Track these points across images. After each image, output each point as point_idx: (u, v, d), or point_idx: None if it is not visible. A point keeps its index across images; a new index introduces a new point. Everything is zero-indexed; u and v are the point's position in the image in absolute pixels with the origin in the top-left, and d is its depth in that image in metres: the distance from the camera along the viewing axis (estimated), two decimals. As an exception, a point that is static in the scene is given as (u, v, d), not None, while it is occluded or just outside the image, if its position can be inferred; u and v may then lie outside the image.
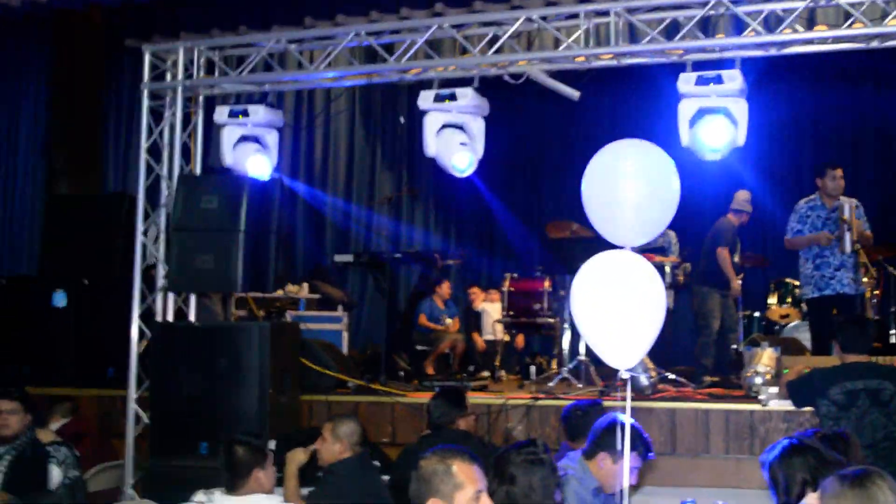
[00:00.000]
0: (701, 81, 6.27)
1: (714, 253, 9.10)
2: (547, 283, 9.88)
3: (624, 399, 5.91)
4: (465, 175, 6.98)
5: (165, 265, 7.25)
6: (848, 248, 7.78)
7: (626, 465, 3.95)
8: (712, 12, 6.34)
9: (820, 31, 6.19)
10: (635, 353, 3.88)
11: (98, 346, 8.29)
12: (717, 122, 6.29)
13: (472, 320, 11.99)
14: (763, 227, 11.79)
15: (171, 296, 7.32)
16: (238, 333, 6.59)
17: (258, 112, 7.24)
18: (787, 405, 6.32)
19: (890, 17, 5.96)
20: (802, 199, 8.21)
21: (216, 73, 7.52)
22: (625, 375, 3.88)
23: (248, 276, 6.69)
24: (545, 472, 3.72)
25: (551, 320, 9.92)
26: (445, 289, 11.33)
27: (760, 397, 6.49)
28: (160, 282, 7.35)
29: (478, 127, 6.93)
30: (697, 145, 6.41)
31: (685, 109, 6.38)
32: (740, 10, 6.21)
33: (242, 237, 6.66)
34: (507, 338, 11.14)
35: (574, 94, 6.84)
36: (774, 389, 6.44)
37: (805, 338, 9.29)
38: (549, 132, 12.36)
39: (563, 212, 11.52)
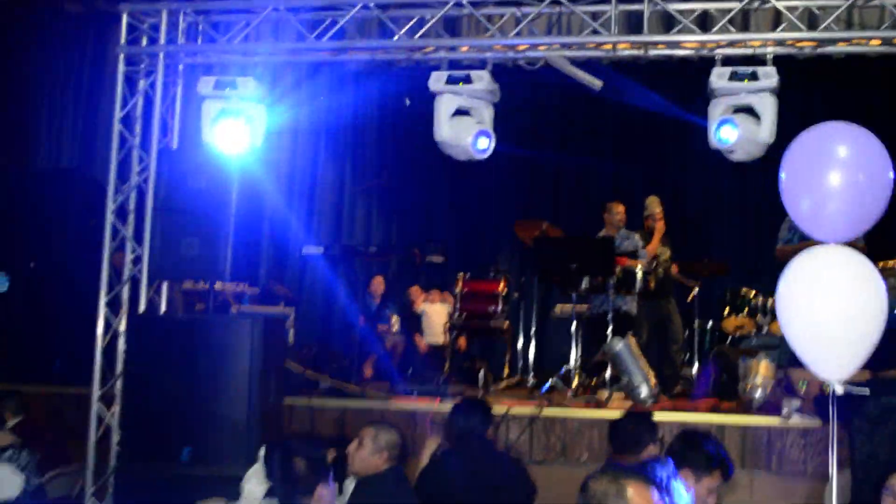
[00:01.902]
0: (735, 77, 5.96)
1: None
2: (502, 285, 9.52)
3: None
4: (483, 157, 6.52)
5: (136, 247, 6.58)
6: None
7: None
8: (755, 5, 6.01)
9: (860, 32, 5.92)
10: (852, 363, 3.45)
11: (43, 335, 7.53)
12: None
13: (412, 321, 11.50)
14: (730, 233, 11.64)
15: (143, 284, 6.62)
16: (227, 328, 5.98)
17: (248, 85, 6.61)
18: (807, 420, 6.07)
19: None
20: None
21: (199, 40, 6.87)
22: (840, 390, 3.47)
23: (238, 264, 6.12)
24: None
25: (505, 324, 9.58)
26: (377, 285, 10.77)
27: (783, 411, 6.21)
28: (127, 267, 6.66)
29: (489, 115, 6.48)
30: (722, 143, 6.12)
31: (716, 106, 6.06)
32: (781, 4, 5.90)
33: (232, 221, 6.08)
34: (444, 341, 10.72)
35: (597, 83, 6.44)
36: (796, 403, 6.17)
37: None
38: (548, 125, 11.86)
39: (532, 212, 11.25)
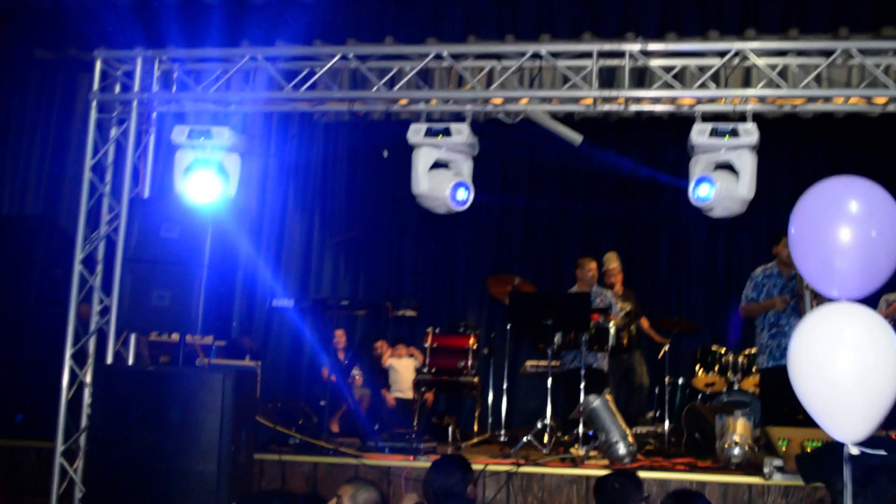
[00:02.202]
0: (716, 133, 5.98)
1: None
2: (472, 340, 9.43)
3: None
4: (462, 209, 6.46)
5: (104, 297, 6.40)
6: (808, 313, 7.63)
7: None
8: (735, 62, 6.05)
9: (841, 90, 5.97)
10: (867, 424, 3.37)
11: (5, 389, 7.28)
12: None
13: (379, 376, 11.34)
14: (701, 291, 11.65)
15: (110, 335, 6.43)
16: (198, 380, 5.79)
17: (223, 134, 6.52)
18: (788, 479, 6.00)
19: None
20: (759, 267, 8.06)
21: (174, 88, 6.78)
22: (854, 451, 3.38)
23: (211, 318, 5.97)
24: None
25: (475, 379, 9.48)
26: (339, 338, 10.61)
27: (764, 470, 6.13)
28: (93, 318, 6.48)
29: (468, 167, 6.44)
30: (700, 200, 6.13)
31: (697, 163, 6.08)
32: (761, 61, 5.95)
33: (206, 273, 5.94)
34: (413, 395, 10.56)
35: (577, 137, 6.43)
36: (778, 462, 6.10)
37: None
38: (519, 180, 11.83)
39: (502, 267, 11.19)
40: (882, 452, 4.83)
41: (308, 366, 10.94)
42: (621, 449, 6.88)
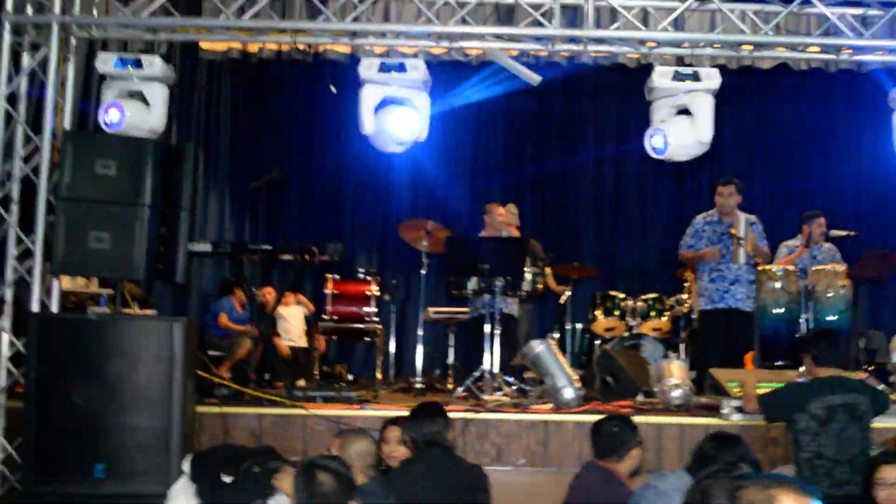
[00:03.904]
0: (678, 77, 5.93)
1: None
2: (374, 287, 9.23)
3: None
4: (403, 149, 6.20)
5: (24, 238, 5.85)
6: (741, 260, 7.81)
7: None
8: (696, 5, 5.99)
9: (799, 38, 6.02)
10: None
11: None
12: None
13: (263, 324, 10.93)
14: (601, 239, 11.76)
15: (35, 281, 5.86)
16: (146, 330, 5.36)
17: (154, 64, 6.00)
18: (747, 419, 6.09)
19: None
20: (699, 215, 8.17)
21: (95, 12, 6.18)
22: None
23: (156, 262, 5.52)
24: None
25: (378, 326, 9.30)
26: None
27: (723, 411, 6.21)
28: (10, 263, 5.91)
29: (423, 103, 6.15)
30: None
31: (658, 109, 6.03)
32: (726, 6, 5.92)
33: (147, 212, 5.47)
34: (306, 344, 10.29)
35: (535, 77, 6.24)
36: (735, 403, 6.18)
37: (647, 350, 9.29)
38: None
39: (414, 213, 10.95)
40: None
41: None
42: (568, 393, 6.83)
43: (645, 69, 6.97)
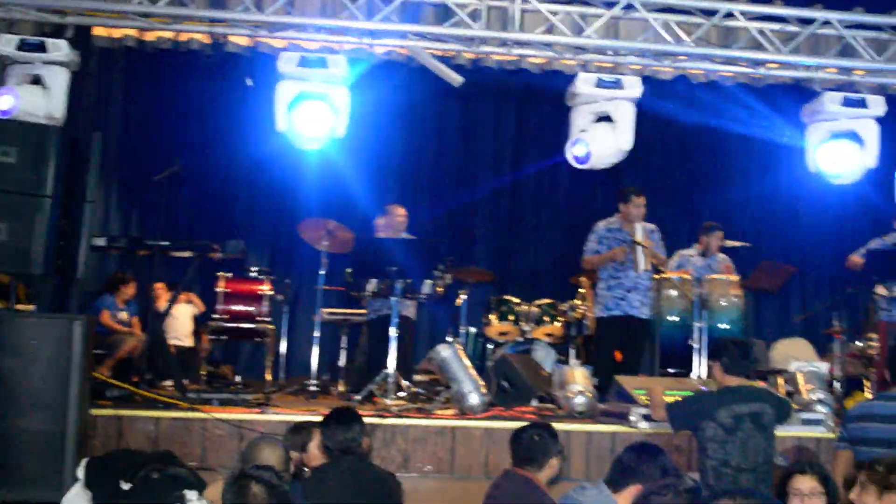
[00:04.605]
0: (601, 84, 5.96)
1: None
2: (267, 286, 9.05)
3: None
4: (318, 147, 6.05)
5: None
6: (641, 267, 7.93)
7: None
8: (620, 14, 6.02)
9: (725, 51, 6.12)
10: None
11: None
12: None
13: (156, 322, 10.55)
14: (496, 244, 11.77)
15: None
16: (46, 329, 5.06)
17: (59, 48, 5.67)
18: (654, 427, 6.15)
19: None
20: (601, 221, 8.25)
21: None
22: None
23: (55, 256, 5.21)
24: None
25: (270, 327, 9.13)
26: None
27: (631, 419, 6.26)
28: None
29: (343, 100, 6.01)
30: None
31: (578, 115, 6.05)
32: (651, 16, 5.97)
33: (49, 204, 5.16)
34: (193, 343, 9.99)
35: (458, 79, 6.17)
36: (642, 410, 6.24)
37: (539, 356, 9.36)
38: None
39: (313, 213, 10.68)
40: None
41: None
42: (473, 399, 6.78)
43: (549, 76, 7.04)
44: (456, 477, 6.20)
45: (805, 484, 4.55)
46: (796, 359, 8.43)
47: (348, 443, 4.77)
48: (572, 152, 5.99)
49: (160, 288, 9.94)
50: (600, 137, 5.97)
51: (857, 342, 8.95)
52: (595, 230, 8.22)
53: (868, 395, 8.32)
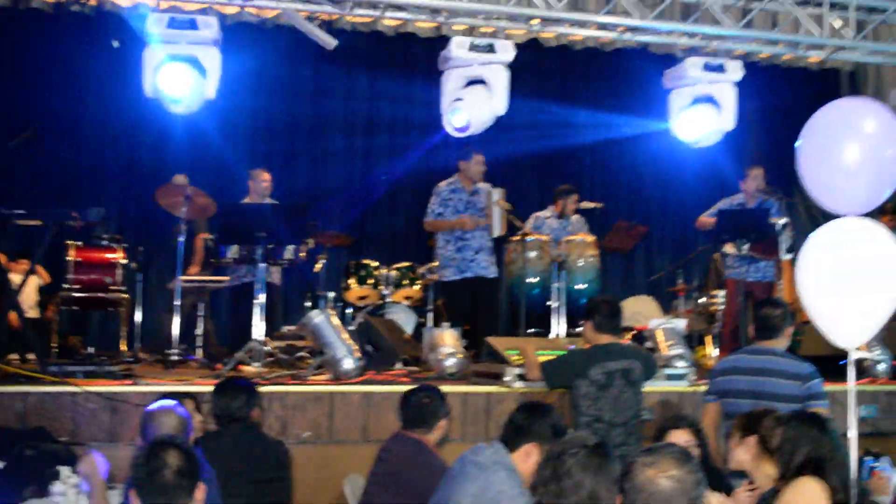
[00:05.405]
0: (474, 48, 6.02)
1: None
2: (121, 254, 8.77)
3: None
4: (187, 110, 5.87)
5: None
6: (497, 231, 8.09)
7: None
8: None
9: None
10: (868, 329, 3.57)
11: None
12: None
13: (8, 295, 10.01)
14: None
15: None
16: None
17: None
18: (528, 386, 6.32)
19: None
20: (443, 182, 8.31)
21: None
22: (855, 356, 3.53)
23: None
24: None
25: (124, 296, 8.85)
26: None
27: (505, 378, 6.41)
28: None
29: (214, 63, 5.85)
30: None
31: (451, 79, 6.08)
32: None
33: None
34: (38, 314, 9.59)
35: (331, 42, 6.08)
36: (516, 370, 6.39)
37: (400, 319, 9.45)
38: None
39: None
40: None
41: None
42: (348, 363, 6.76)
43: (402, 38, 6.94)
44: (335, 442, 6.20)
45: (680, 437, 4.79)
46: (644, 316, 8.86)
47: (235, 411, 4.76)
48: (452, 122, 6.02)
49: (1, 258, 9.46)
50: (476, 103, 6.02)
51: (698, 300, 9.43)
52: (437, 192, 8.26)
53: (710, 349, 8.81)
